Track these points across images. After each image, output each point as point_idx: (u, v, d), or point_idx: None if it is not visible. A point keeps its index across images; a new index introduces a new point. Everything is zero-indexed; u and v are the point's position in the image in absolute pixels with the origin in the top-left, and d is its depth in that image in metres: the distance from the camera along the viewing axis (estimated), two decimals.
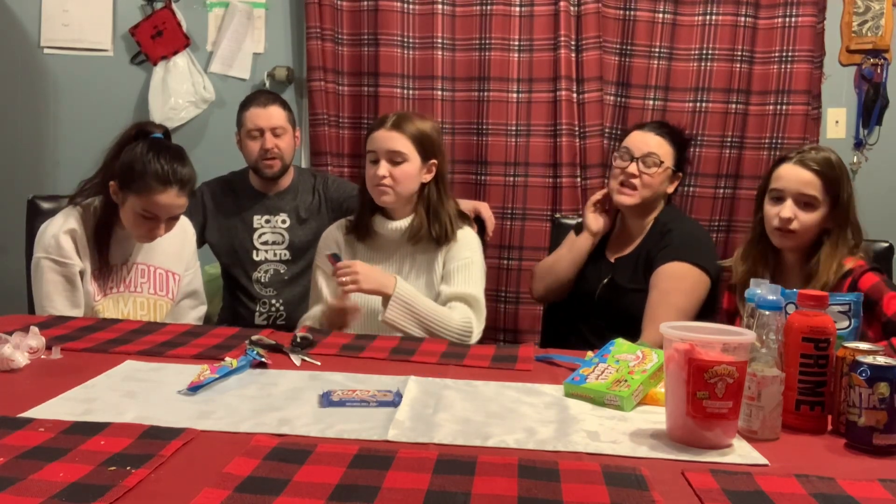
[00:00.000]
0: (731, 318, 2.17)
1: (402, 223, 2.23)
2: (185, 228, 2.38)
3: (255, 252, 2.79)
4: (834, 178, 1.99)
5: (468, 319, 2.10)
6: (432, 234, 2.21)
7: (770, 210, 2.04)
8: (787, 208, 1.99)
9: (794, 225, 1.99)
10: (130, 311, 2.20)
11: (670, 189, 2.37)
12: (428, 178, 2.23)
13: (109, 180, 2.11)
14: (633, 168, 2.31)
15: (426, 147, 2.19)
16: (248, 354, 1.65)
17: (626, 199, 2.33)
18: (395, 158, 2.16)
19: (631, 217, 2.40)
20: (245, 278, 2.79)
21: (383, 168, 2.15)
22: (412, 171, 2.18)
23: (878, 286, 1.91)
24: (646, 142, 2.33)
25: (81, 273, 2.12)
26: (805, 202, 1.99)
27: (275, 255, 2.79)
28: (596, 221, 2.42)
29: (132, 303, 2.21)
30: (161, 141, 2.16)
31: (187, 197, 2.13)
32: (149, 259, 2.25)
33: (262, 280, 2.79)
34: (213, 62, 3.38)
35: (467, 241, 2.25)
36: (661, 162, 2.31)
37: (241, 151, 2.80)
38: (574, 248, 2.42)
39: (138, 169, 2.06)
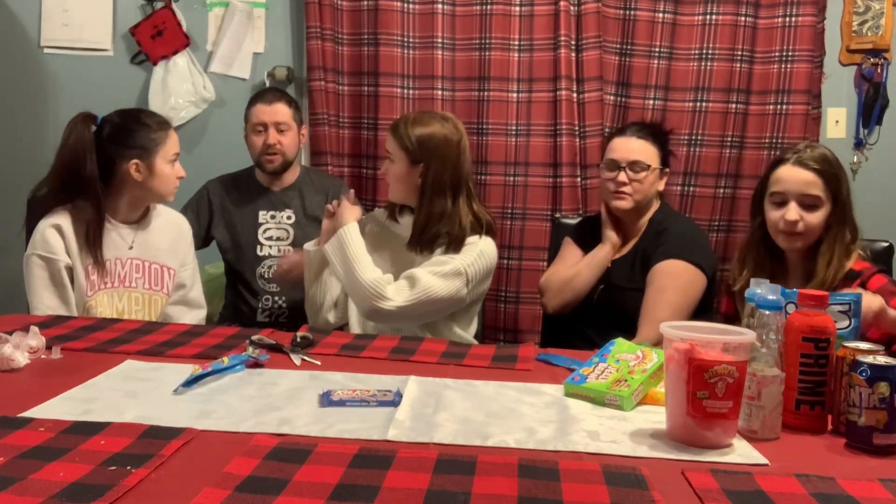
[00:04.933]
0: (729, 322, 2.15)
1: (407, 223, 2.25)
2: (179, 224, 2.40)
3: (258, 247, 2.80)
4: (833, 175, 1.99)
5: (381, 282, 2.05)
6: (435, 240, 2.17)
7: (773, 214, 2.02)
8: (792, 210, 1.97)
9: (800, 227, 1.97)
10: (125, 306, 2.21)
11: (661, 186, 2.40)
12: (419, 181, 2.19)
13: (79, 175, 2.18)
14: (622, 177, 2.34)
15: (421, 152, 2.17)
16: (244, 354, 1.65)
17: (623, 203, 2.35)
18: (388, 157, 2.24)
19: (629, 219, 2.41)
20: (249, 273, 2.81)
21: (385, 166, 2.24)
22: (400, 173, 2.20)
23: (886, 287, 1.91)
24: (629, 148, 2.36)
25: (71, 268, 2.13)
26: (808, 203, 1.98)
27: (279, 250, 2.80)
28: (615, 235, 2.41)
29: (127, 298, 2.22)
30: (122, 112, 2.30)
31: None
32: (143, 254, 2.26)
33: (266, 275, 2.80)
34: (213, 62, 3.38)
35: (466, 248, 2.15)
36: (648, 166, 2.34)
37: (247, 146, 2.85)
38: (594, 264, 2.39)
39: (153, 131, 2.23)
